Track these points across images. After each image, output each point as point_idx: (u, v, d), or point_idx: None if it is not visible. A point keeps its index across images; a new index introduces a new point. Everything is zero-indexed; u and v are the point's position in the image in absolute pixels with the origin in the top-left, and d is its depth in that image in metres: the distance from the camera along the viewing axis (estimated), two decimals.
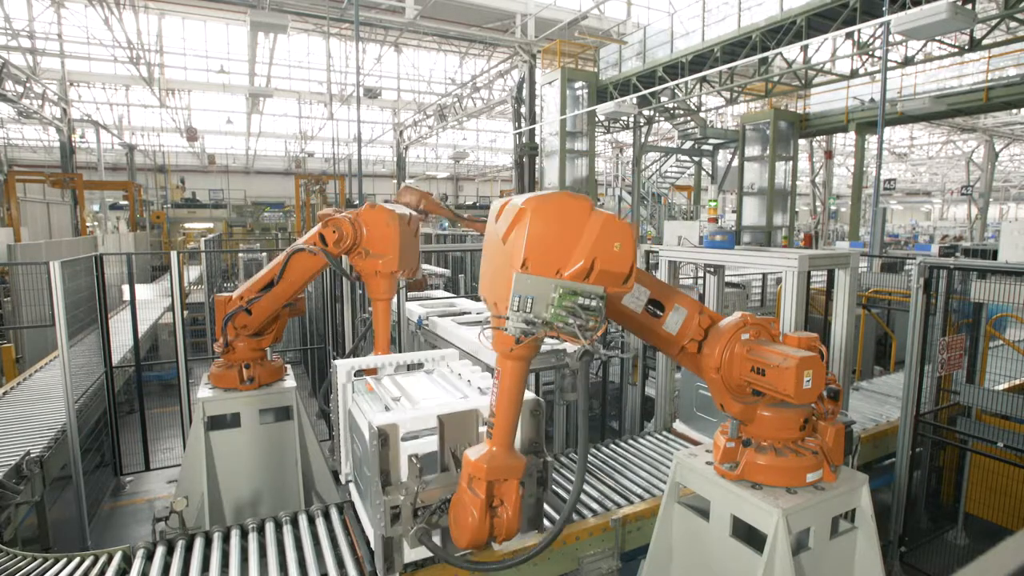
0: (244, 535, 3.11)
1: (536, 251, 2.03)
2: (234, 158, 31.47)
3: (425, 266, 8.85)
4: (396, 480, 2.52)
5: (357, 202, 14.72)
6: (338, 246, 3.44)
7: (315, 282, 8.94)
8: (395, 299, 6.22)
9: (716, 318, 2.72)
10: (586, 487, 3.75)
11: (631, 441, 4.59)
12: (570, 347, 4.06)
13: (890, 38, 10.37)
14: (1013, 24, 10.07)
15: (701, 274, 8.05)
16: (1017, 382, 4.99)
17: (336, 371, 3.10)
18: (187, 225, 27.20)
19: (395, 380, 3.15)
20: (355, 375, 3.18)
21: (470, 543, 2.42)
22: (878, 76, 11.16)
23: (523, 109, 17.35)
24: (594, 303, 2.04)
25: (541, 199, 2.09)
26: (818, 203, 21.92)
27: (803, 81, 13.77)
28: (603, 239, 2.04)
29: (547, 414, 7.74)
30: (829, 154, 20.27)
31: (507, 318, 2.05)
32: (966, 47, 10.79)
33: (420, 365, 3.42)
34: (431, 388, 3.06)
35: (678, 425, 4.73)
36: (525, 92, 17.23)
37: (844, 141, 30.47)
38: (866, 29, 10.76)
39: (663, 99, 16.73)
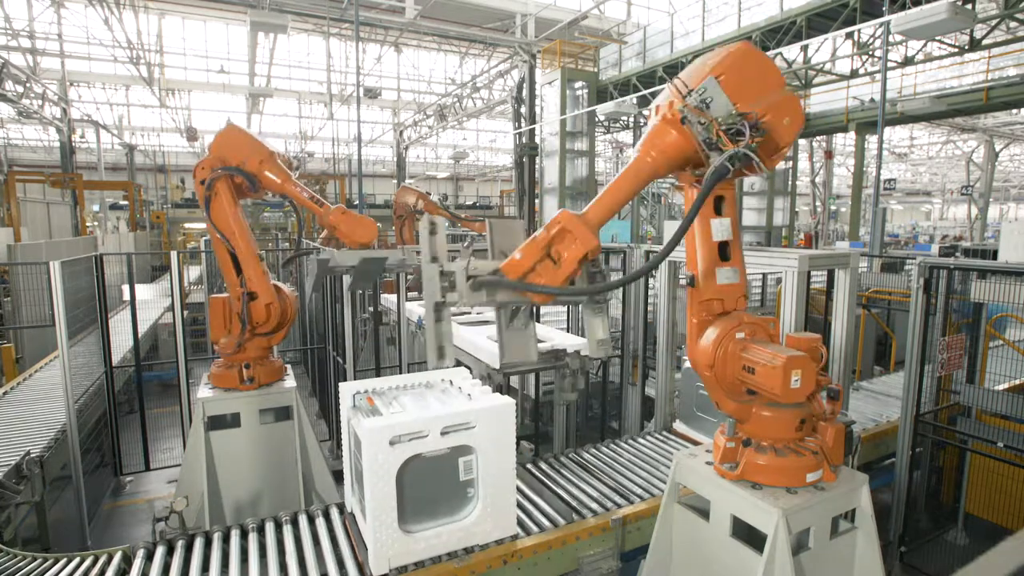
0: (244, 535, 3.11)
1: (733, 77, 2.45)
2: None
3: None
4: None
5: (356, 202, 14.71)
6: (216, 172, 3.92)
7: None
8: (395, 299, 6.23)
9: (740, 307, 2.75)
10: (586, 487, 3.75)
11: (631, 441, 4.58)
12: (569, 348, 4.09)
13: (890, 38, 10.37)
14: (1013, 24, 10.07)
15: None
16: (1017, 382, 4.98)
17: (342, 393, 3.08)
18: (187, 225, 27.18)
19: (396, 396, 3.10)
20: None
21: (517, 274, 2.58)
22: (878, 76, 11.16)
23: (523, 109, 17.34)
24: (744, 137, 2.38)
25: (756, 55, 2.55)
26: (818, 203, 21.92)
27: (803, 81, 13.78)
28: (782, 107, 2.48)
29: (547, 414, 7.72)
30: (829, 154, 20.28)
31: (688, 95, 2.45)
32: (966, 47, 10.79)
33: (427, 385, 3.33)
34: (431, 401, 3.01)
35: (678, 425, 4.72)
36: (525, 92, 17.22)
37: (844, 141, 30.47)
38: (866, 29, 10.78)
39: None
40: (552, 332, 4.43)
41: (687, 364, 4.39)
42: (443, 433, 2.67)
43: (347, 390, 3.05)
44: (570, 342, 4.23)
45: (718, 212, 2.71)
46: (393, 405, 2.94)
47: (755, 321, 2.72)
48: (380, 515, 2.59)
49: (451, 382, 3.27)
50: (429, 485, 2.72)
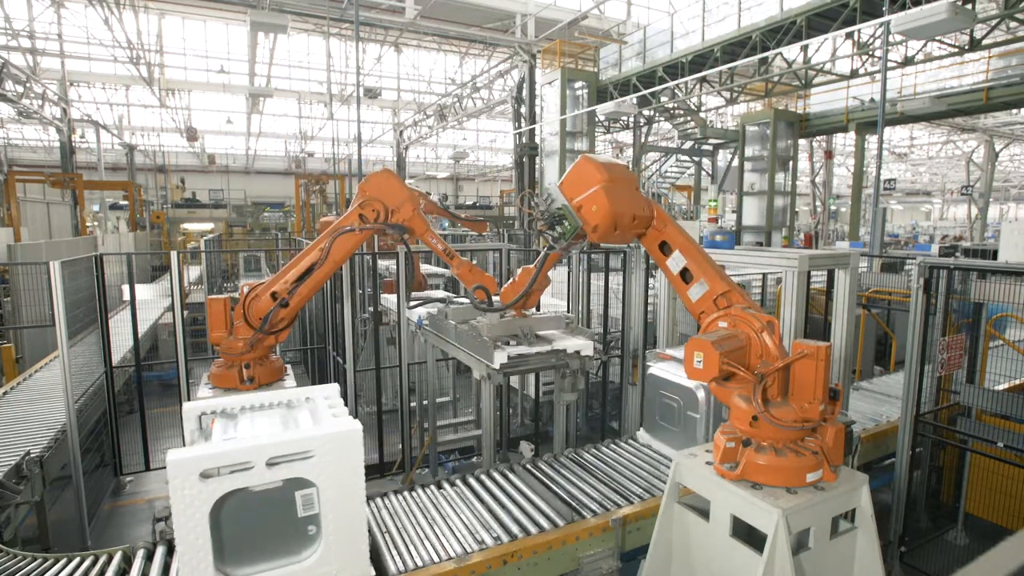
0: None
1: (567, 182, 3.24)
2: (234, 158, 31.46)
3: (425, 266, 8.85)
4: None
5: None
6: (378, 219, 4.14)
7: None
8: (395, 299, 6.23)
9: (735, 301, 2.99)
10: (586, 487, 3.75)
11: (631, 441, 4.58)
12: (570, 348, 4.14)
13: (890, 38, 10.37)
14: (1013, 24, 10.07)
15: None
16: (1017, 382, 4.98)
17: (185, 415, 2.75)
18: (187, 225, 27.19)
19: (250, 418, 2.80)
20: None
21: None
22: (878, 76, 11.16)
23: (523, 109, 17.35)
24: (569, 226, 3.20)
25: (599, 164, 3.19)
26: (818, 203, 21.93)
27: (803, 81, 13.78)
28: (592, 198, 3.10)
29: (547, 414, 7.72)
30: (829, 154, 20.28)
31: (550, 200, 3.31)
32: (966, 47, 10.79)
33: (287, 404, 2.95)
34: (277, 425, 2.70)
35: (641, 435, 4.45)
36: (525, 92, 17.24)
37: (844, 141, 30.47)
38: (866, 29, 10.77)
39: (663, 99, 16.73)
40: (554, 333, 4.42)
41: (651, 369, 4.27)
42: (270, 464, 2.29)
43: (191, 411, 2.69)
44: (570, 343, 4.23)
45: (665, 253, 3.26)
46: (231, 430, 2.62)
47: (741, 315, 2.86)
48: (191, 560, 2.23)
49: (314, 402, 2.88)
50: (259, 522, 2.36)
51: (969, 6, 9.15)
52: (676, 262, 3.22)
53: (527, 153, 17.28)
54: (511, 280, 4.20)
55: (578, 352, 4.21)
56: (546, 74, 16.67)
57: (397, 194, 4.16)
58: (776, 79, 13.89)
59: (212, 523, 2.26)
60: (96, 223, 23.24)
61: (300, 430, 2.47)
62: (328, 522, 2.42)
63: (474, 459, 7.04)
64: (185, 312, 6.53)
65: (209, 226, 26.87)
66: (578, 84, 16.24)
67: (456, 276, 4.58)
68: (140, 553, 2.93)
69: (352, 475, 2.44)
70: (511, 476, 3.90)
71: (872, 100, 15.10)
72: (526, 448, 4.27)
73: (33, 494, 4.43)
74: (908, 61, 11.84)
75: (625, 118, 18.81)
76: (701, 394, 3.79)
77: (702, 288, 3.10)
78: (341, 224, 4.08)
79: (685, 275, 3.19)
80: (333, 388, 2.94)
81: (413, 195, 4.24)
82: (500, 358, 3.93)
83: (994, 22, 9.94)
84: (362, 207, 4.10)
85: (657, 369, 4.20)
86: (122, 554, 2.97)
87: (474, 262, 4.63)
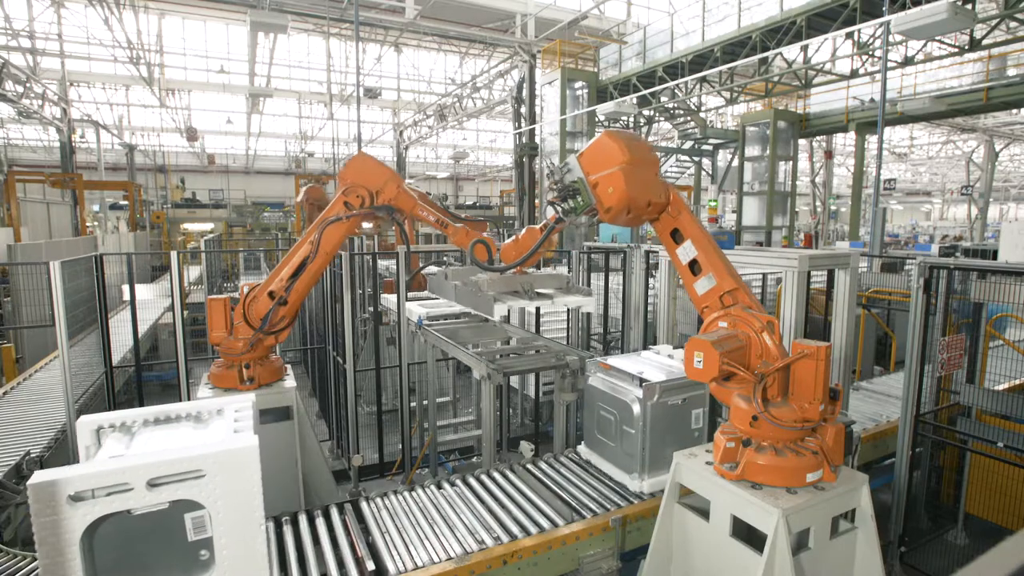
0: None
1: (587, 156, 3.11)
2: (234, 158, 31.45)
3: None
4: None
5: None
6: (363, 204, 4.10)
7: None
8: (395, 299, 6.23)
9: (740, 300, 2.94)
10: (585, 487, 3.75)
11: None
12: (571, 304, 4.27)
13: (890, 38, 10.37)
14: (1013, 24, 10.07)
15: None
16: (1017, 382, 4.98)
17: (79, 431, 2.55)
18: (187, 225, 27.18)
19: (149, 433, 2.67)
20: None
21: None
22: (878, 76, 11.16)
23: (523, 109, 17.35)
24: (581, 201, 3.11)
25: (622, 143, 3.06)
26: (818, 203, 21.93)
27: (803, 81, 13.77)
28: (610, 178, 2.98)
29: (547, 414, 7.72)
30: (829, 154, 20.28)
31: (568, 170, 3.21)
32: (966, 47, 10.79)
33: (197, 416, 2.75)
34: (173, 441, 2.54)
35: (582, 449, 4.21)
36: (525, 92, 17.23)
37: (844, 141, 30.47)
38: (866, 29, 10.77)
39: (663, 99, 16.73)
40: (554, 291, 4.27)
41: (590, 380, 4.06)
42: (152, 485, 2.07)
43: (86, 426, 2.50)
44: (571, 300, 4.07)
45: (676, 241, 3.15)
46: (123, 446, 2.45)
47: (741, 315, 2.84)
48: None
49: (224, 414, 2.68)
50: (143, 548, 2.15)
51: (969, 6, 9.15)
52: (686, 252, 3.12)
53: (527, 153, 17.28)
54: (513, 238, 4.09)
55: (579, 308, 4.16)
56: (546, 74, 16.67)
57: (377, 175, 4.11)
58: (776, 79, 13.89)
59: (85, 550, 2.02)
60: (96, 223, 23.24)
61: (189, 448, 2.25)
62: (222, 546, 2.22)
63: (474, 459, 7.04)
64: (185, 312, 6.53)
65: (209, 226, 26.84)
66: (578, 84, 16.24)
67: (454, 244, 4.49)
68: None
69: (248, 495, 2.24)
70: (511, 476, 3.90)
71: (872, 100, 15.10)
72: (526, 448, 4.26)
73: None
74: (908, 61, 11.84)
75: (625, 118, 18.79)
76: (636, 408, 3.55)
77: (709, 282, 3.04)
78: (327, 215, 4.06)
79: (694, 267, 3.11)
80: (246, 399, 2.75)
81: (394, 174, 4.20)
82: (500, 310, 3.84)
83: (994, 22, 9.94)
84: (345, 195, 4.08)
85: (596, 380, 3.97)
86: None
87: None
